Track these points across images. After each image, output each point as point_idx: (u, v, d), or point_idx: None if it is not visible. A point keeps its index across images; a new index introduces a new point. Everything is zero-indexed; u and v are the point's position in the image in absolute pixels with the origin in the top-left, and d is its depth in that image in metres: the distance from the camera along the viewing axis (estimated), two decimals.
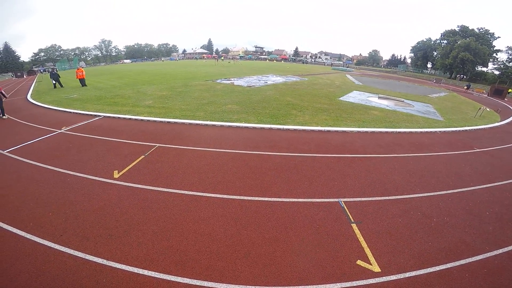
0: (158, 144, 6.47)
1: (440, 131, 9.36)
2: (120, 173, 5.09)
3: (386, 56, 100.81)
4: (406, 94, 19.39)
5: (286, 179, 5.05)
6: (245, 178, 5.04)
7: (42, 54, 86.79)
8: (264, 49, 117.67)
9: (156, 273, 2.93)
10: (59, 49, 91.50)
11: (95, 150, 6.33)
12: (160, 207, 4.10)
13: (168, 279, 2.86)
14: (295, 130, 7.98)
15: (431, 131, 9.23)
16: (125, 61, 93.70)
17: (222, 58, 65.44)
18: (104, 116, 9.47)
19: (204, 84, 17.75)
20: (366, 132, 8.46)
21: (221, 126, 7.96)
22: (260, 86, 16.80)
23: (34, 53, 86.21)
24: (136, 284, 2.79)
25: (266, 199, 4.40)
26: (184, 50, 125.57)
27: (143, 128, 7.93)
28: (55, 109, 11.55)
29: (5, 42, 75.05)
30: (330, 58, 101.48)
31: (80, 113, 10.18)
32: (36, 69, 60.62)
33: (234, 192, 4.55)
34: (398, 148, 7.24)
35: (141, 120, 8.76)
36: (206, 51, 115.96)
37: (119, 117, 9.20)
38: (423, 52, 67.61)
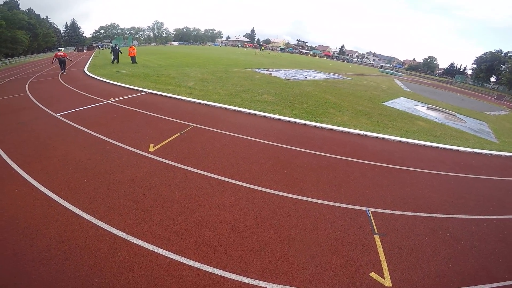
0: (194, 124, 6.68)
1: (491, 154, 8.24)
2: (156, 147, 5.34)
3: (443, 64, 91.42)
4: (460, 108, 17.44)
5: (314, 179, 4.85)
6: (272, 171, 4.95)
7: (102, 31, 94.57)
8: (306, 44, 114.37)
9: (170, 253, 2.98)
10: (117, 28, 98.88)
11: (136, 122, 6.74)
12: (186, 187, 4.20)
13: (180, 260, 2.90)
14: (331, 130, 7.64)
15: (481, 153, 8.16)
16: (174, 43, 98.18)
17: (263, 48, 64.94)
18: (149, 92, 10.03)
19: (244, 72, 17.83)
20: (408, 143, 7.78)
21: (256, 115, 7.93)
22: (299, 80, 16.38)
23: (95, 30, 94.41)
24: (149, 262, 2.85)
25: (290, 195, 4.27)
26: (228, 37, 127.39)
27: (182, 107, 8.24)
28: (106, 82, 12.53)
29: (72, 19, 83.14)
30: (379, 59, 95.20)
31: (127, 87, 10.91)
32: (95, 44, 66.31)
33: (260, 184, 4.49)
34: (440, 165, 6.54)
35: (182, 99, 9.10)
36: (248, 40, 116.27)
37: (161, 95, 9.67)
38: (489, 64, 59.99)
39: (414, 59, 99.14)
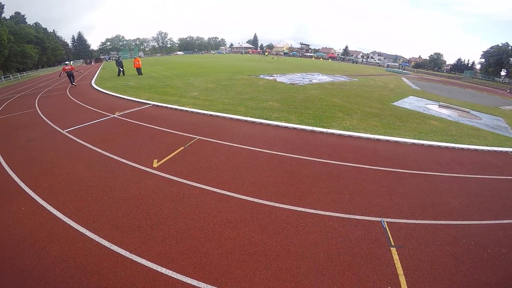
0: (198, 137, 6.54)
1: None
2: (159, 163, 5.22)
3: (449, 60, 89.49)
4: (473, 104, 16.79)
5: (324, 190, 4.58)
6: (279, 182, 4.73)
7: (108, 43, 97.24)
8: (310, 47, 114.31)
9: (174, 272, 2.87)
10: (123, 39, 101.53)
11: (141, 136, 6.67)
12: (190, 203, 4.06)
13: (184, 280, 2.78)
14: (340, 135, 7.36)
15: (501, 151, 7.70)
16: (178, 52, 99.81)
17: (266, 53, 65.23)
18: (153, 105, 10.02)
19: (248, 78, 17.76)
20: (423, 145, 7.41)
21: (261, 123, 7.74)
22: (304, 84, 16.14)
23: (101, 42, 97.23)
24: (152, 281, 2.77)
25: (299, 209, 4.03)
26: (231, 44, 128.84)
27: (187, 119, 8.14)
28: (112, 95, 12.65)
29: (79, 32, 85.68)
30: (384, 58, 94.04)
31: (132, 100, 10.96)
32: (102, 57, 68.12)
33: (266, 197, 4.28)
34: (459, 167, 6.15)
35: (186, 111, 9.03)
36: (251, 46, 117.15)
37: (166, 107, 9.63)
38: (497, 58, 58.39)
39: (420, 57, 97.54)
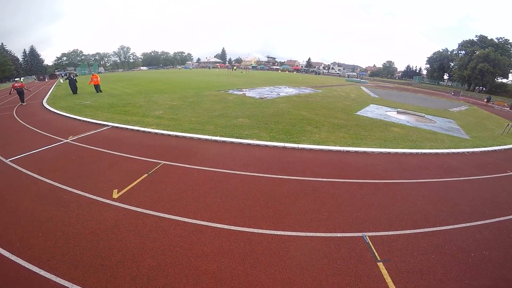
0: (163, 162, 6.04)
1: (468, 152, 8.54)
2: (120, 193, 4.68)
3: (400, 67, 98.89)
4: (426, 108, 18.47)
5: (302, 209, 4.47)
6: (256, 206, 4.49)
7: (65, 58, 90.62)
8: (276, 60, 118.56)
9: None
10: (81, 54, 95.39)
11: (98, 164, 5.97)
12: (159, 237, 3.64)
13: None
14: (311, 150, 7.39)
15: (458, 152, 8.42)
16: (142, 68, 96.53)
17: (235, 67, 66.01)
18: (112, 126, 9.21)
19: (216, 94, 17.52)
20: (389, 153, 7.76)
21: (231, 142, 7.47)
22: (273, 98, 16.37)
23: (57, 57, 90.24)
24: None
25: (279, 232, 3.85)
26: (199, 59, 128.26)
27: (150, 141, 7.56)
28: (66, 116, 11.50)
29: (31, 46, 79.03)
30: (344, 69, 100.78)
31: (88, 122, 10.01)
32: (58, 73, 63.07)
33: (244, 223, 4.02)
34: (424, 172, 6.53)
35: (149, 132, 8.41)
36: (219, 60, 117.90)
37: (127, 128, 8.91)
38: (440, 63, 65.99)
39: (374, 65, 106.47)
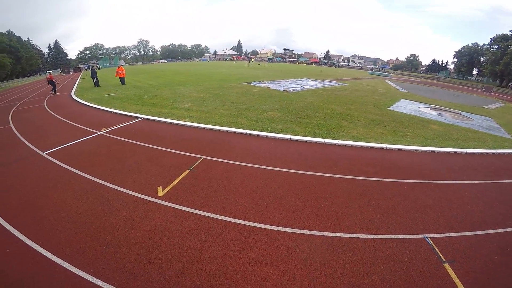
0: (203, 156, 5.81)
1: None
2: (165, 191, 4.48)
3: (425, 61, 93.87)
4: (460, 105, 17.20)
5: (357, 210, 4.15)
6: (307, 206, 4.19)
7: (87, 52, 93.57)
8: (293, 52, 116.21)
9: None
10: (102, 48, 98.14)
11: (136, 158, 5.85)
12: (215, 240, 3.40)
13: None
14: (352, 146, 6.93)
15: (504, 153, 7.67)
16: (161, 60, 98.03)
17: (252, 60, 65.31)
18: (144, 119, 9.15)
19: (240, 86, 17.20)
20: (433, 152, 7.16)
21: (267, 137, 7.14)
22: (298, 91, 15.82)
23: (80, 51, 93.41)
24: None
25: (338, 234, 3.58)
26: (215, 51, 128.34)
27: (185, 135, 7.38)
28: (96, 108, 11.62)
29: (55, 40, 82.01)
30: (364, 62, 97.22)
31: (120, 114, 10.02)
32: (81, 66, 65.20)
33: (298, 225, 3.74)
34: (473, 173, 5.98)
35: (182, 125, 8.25)
36: (235, 53, 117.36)
37: (159, 120, 8.81)
38: (469, 58, 62.09)
39: (397, 58, 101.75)
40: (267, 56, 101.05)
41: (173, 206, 4.08)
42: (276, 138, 7.05)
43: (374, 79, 34.00)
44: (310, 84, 20.16)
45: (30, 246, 3.34)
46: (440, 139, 8.29)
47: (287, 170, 5.35)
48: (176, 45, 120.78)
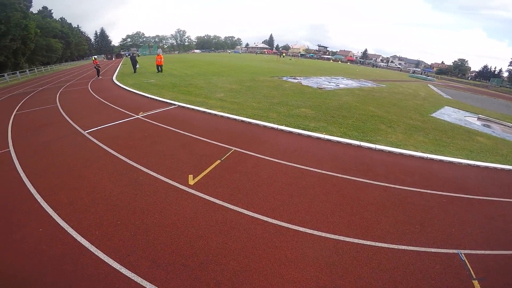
0: (233, 148, 5.81)
1: None
2: (196, 180, 4.53)
3: (474, 67, 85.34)
4: (510, 117, 15.37)
5: (391, 219, 3.92)
6: (339, 210, 4.00)
7: (129, 40, 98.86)
8: (328, 49, 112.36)
9: None
10: (143, 36, 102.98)
11: (170, 144, 6.02)
12: (241, 236, 3.36)
13: None
14: (390, 152, 6.49)
15: None
16: (196, 51, 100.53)
17: (284, 54, 64.25)
18: (179, 106, 9.42)
19: (271, 80, 17.00)
20: (478, 166, 6.47)
21: (299, 134, 6.93)
22: (333, 89, 15.22)
23: (122, 38, 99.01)
24: None
25: (368, 243, 3.40)
26: (247, 44, 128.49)
27: (217, 125, 7.45)
28: (135, 92, 12.21)
29: (101, 28, 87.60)
30: (405, 63, 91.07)
31: (156, 100, 10.42)
32: (123, 53, 69.06)
33: (328, 229, 3.58)
34: None
35: (215, 115, 8.35)
36: (267, 46, 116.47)
37: (193, 109, 9.00)
38: None
39: (442, 62, 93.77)
40: (299, 52, 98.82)
41: (203, 196, 4.10)
42: (309, 136, 6.83)
43: (415, 82, 31.68)
44: (345, 83, 19.31)
45: (62, 227, 3.46)
46: (487, 153, 7.49)
47: (318, 170, 5.15)
48: (210, 36, 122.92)
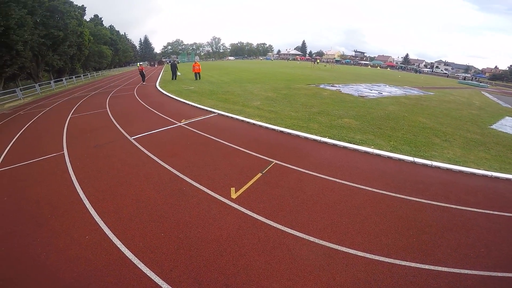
0: (274, 161, 5.62)
1: None
2: (238, 193, 4.42)
3: None
4: None
5: (452, 242, 3.50)
6: (393, 232, 3.62)
7: (169, 47, 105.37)
8: (365, 54, 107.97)
9: None
10: (181, 44, 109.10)
11: (211, 153, 6.05)
12: (284, 257, 3.15)
13: None
14: (448, 170, 5.78)
15: None
16: (230, 58, 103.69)
17: (318, 61, 62.98)
18: (219, 114, 9.56)
19: (308, 88, 16.61)
20: None
21: (344, 147, 6.50)
22: (376, 97, 14.32)
23: (163, 46, 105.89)
24: None
25: (427, 267, 3.07)
26: (279, 51, 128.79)
27: (256, 135, 7.35)
28: (177, 99, 12.74)
29: (145, 35, 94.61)
30: (452, 69, 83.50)
31: (197, 107, 10.74)
32: (164, 59, 73.62)
33: (381, 252, 3.26)
34: None
35: (253, 124, 8.28)
36: (299, 53, 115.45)
37: (232, 117, 9.06)
38: None
39: (496, 67, 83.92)
40: (334, 58, 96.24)
41: (245, 212, 3.97)
42: (355, 150, 6.37)
43: (467, 90, 28.68)
44: (388, 90, 18.12)
45: (107, 235, 3.50)
46: None
47: (369, 188, 4.73)
48: (243, 43, 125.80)
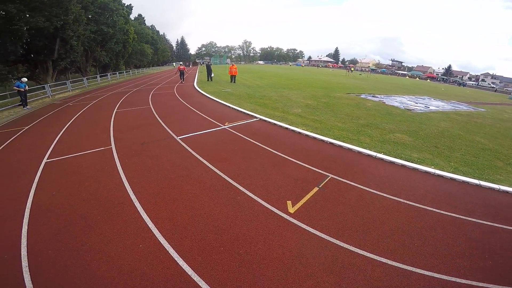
0: (330, 175, 5.35)
1: None
2: (295, 207, 4.21)
3: None
4: None
5: None
6: (468, 254, 3.45)
7: (203, 49, 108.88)
8: (403, 64, 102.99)
9: None
10: (215, 46, 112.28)
11: (260, 161, 5.91)
12: (356, 278, 2.94)
13: None
14: None
15: None
16: (259, 62, 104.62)
17: (352, 69, 61.16)
18: (261, 119, 9.50)
19: (348, 97, 16.03)
20: None
21: (402, 165, 6.06)
22: (423, 111, 13.40)
23: (198, 47, 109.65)
24: None
25: None
26: (310, 57, 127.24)
27: (303, 144, 7.13)
28: (216, 101, 12.93)
29: (182, 36, 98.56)
30: (500, 82, 76.50)
31: (238, 110, 10.78)
32: (198, 61, 76.09)
33: (458, 274, 3.14)
34: None
35: (299, 133, 8.08)
36: (331, 60, 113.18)
37: (274, 124, 8.93)
38: None
39: None
40: (369, 66, 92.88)
41: (306, 228, 3.75)
42: (414, 169, 5.91)
43: None
44: (435, 104, 16.91)
45: (163, 245, 3.28)
46: None
47: (437, 210, 4.33)
48: (273, 48, 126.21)
